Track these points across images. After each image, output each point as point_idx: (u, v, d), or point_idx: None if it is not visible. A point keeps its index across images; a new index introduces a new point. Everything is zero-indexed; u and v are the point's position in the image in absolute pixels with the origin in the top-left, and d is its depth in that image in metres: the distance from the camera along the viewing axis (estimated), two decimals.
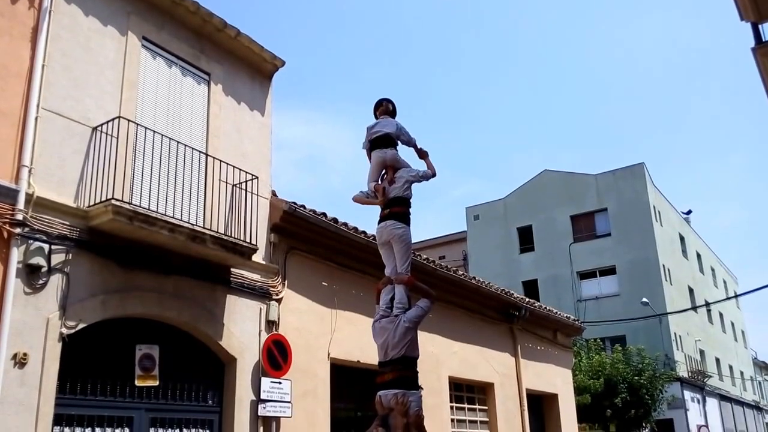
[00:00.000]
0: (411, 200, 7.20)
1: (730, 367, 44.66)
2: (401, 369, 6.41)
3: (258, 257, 9.95)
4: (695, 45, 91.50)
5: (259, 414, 9.47)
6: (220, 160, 9.57)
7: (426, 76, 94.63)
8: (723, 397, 38.96)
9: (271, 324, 10.07)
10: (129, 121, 8.47)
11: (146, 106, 9.18)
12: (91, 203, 7.96)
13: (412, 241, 7.15)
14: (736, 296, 45.25)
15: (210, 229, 9.06)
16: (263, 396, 9.55)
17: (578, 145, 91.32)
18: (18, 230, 7.26)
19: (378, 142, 7.17)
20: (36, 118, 7.72)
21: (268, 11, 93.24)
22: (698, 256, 43.36)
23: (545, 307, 18.40)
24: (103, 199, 7.89)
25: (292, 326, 10.35)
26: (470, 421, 14.73)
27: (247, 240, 9.47)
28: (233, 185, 9.80)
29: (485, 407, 15.39)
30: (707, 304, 39.77)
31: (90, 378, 7.89)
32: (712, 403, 36.12)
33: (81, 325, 7.66)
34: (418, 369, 6.60)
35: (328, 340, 10.93)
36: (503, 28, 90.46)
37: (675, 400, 29.87)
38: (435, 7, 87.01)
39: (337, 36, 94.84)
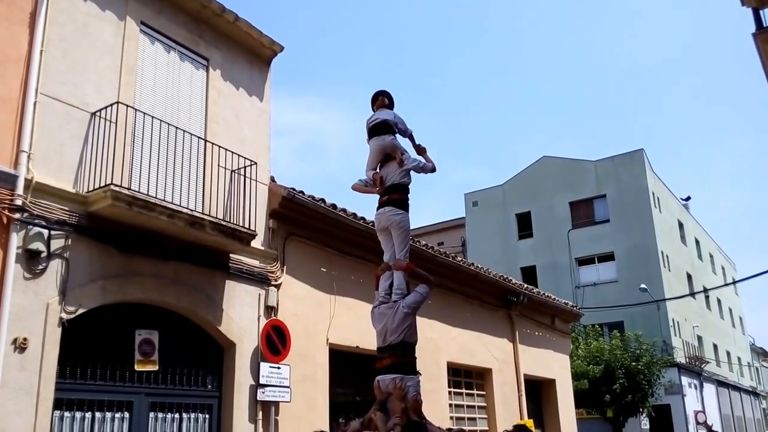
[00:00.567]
0: (409, 187, 7.22)
1: (728, 353, 44.83)
2: (400, 354, 6.45)
3: (257, 243, 9.96)
4: (696, 31, 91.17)
5: (258, 399, 9.53)
6: (219, 146, 9.56)
7: (426, 62, 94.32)
8: (720, 383, 39.13)
9: (270, 309, 10.11)
10: (127, 106, 8.45)
11: (145, 91, 9.16)
12: (90, 189, 7.97)
13: (411, 228, 7.17)
14: (734, 282, 45.29)
15: (209, 215, 9.07)
16: (262, 381, 9.60)
17: (578, 131, 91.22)
18: (17, 215, 7.28)
19: (376, 129, 7.19)
20: (34, 104, 7.71)
21: None
22: (697, 242, 43.39)
23: (543, 294, 18.46)
24: (102, 184, 7.89)
25: (290, 312, 10.39)
26: (468, 406, 14.82)
27: (246, 226, 9.48)
28: (232, 171, 9.80)
29: (483, 392, 15.49)
30: (705, 290, 39.85)
31: (90, 363, 7.93)
32: (709, 388, 36.28)
33: (81, 310, 7.69)
34: (416, 354, 6.65)
35: (327, 325, 10.97)
36: (504, 14, 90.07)
37: (672, 386, 30.00)
38: None
39: (336, 22, 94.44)
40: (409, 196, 7.18)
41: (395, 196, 7.00)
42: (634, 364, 25.83)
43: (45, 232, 7.50)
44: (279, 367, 9.88)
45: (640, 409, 26.60)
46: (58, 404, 7.47)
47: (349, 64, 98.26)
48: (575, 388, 21.04)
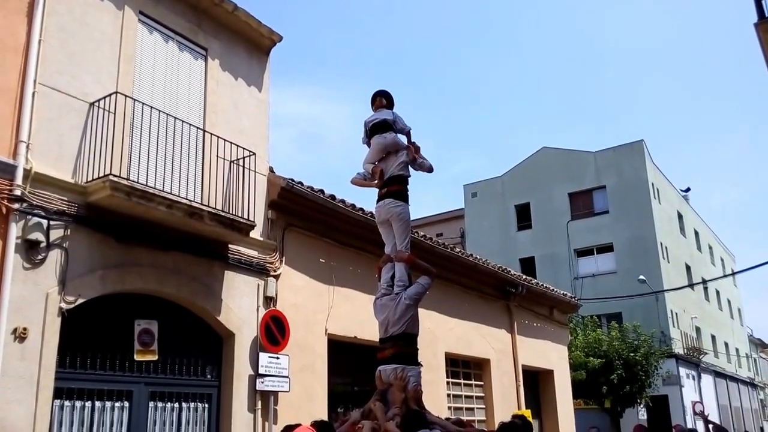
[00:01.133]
0: (409, 178, 7.25)
1: (726, 345, 44.93)
2: (402, 345, 6.50)
3: (256, 234, 9.98)
4: (697, 21, 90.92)
5: (257, 388, 9.57)
6: (218, 137, 9.56)
7: (426, 52, 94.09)
8: (718, 374, 39.25)
9: (269, 300, 10.13)
10: (126, 96, 8.44)
11: (143, 81, 9.14)
12: (89, 179, 7.97)
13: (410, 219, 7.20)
14: (733, 274, 45.35)
15: (208, 206, 9.07)
16: (261, 371, 9.63)
17: (577, 122, 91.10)
18: (16, 206, 7.28)
19: (376, 128, 7.25)
20: (33, 94, 7.70)
21: None
22: (696, 234, 43.40)
23: (542, 285, 18.50)
24: (101, 174, 7.89)
25: (289, 302, 10.41)
26: (466, 397, 14.89)
27: (245, 216, 9.49)
28: (231, 161, 9.80)
29: (481, 383, 15.55)
30: (704, 281, 39.88)
31: (90, 352, 7.96)
32: (707, 379, 36.40)
33: (80, 300, 7.71)
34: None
35: (326, 316, 11.00)
36: (503, 4, 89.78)
37: (670, 377, 30.09)
38: None
39: (336, 11, 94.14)
40: (408, 188, 7.22)
41: (395, 188, 7.04)
42: (632, 355, 25.90)
43: (44, 222, 7.51)
44: (278, 357, 9.92)
45: (638, 400, 26.70)
46: (58, 393, 7.50)
47: (348, 55, 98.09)
48: (573, 378, 21.12)
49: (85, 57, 8.42)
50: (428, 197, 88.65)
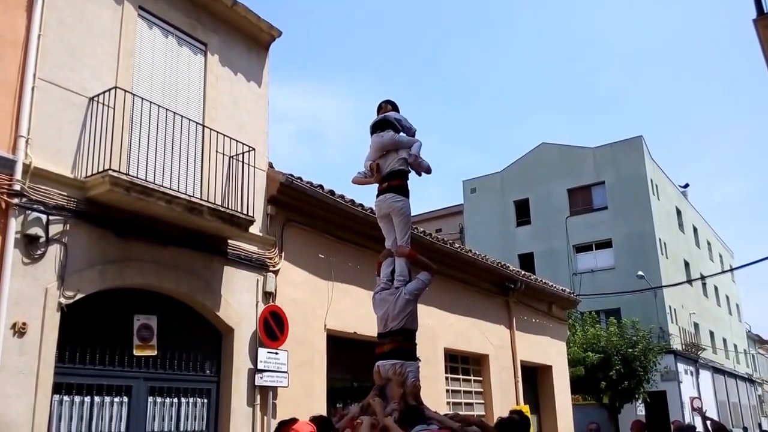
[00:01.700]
0: (409, 173, 7.24)
1: (724, 341, 45.01)
2: (400, 340, 6.49)
3: (255, 229, 9.98)
4: (696, 16, 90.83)
5: (256, 384, 9.58)
6: (217, 132, 9.55)
7: (426, 48, 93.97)
8: (716, 370, 39.34)
9: (268, 295, 10.14)
10: (126, 91, 8.43)
11: (143, 76, 9.14)
12: (89, 174, 7.96)
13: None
14: (731, 270, 45.40)
15: (207, 201, 9.07)
16: (260, 366, 9.64)
17: (576, 118, 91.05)
18: (16, 200, 7.28)
19: (377, 126, 7.24)
20: (32, 88, 7.69)
21: None
22: (695, 229, 43.44)
23: (541, 280, 18.51)
24: (101, 169, 7.89)
25: (288, 297, 10.42)
26: (465, 392, 14.92)
27: (244, 212, 9.49)
28: (230, 157, 9.79)
29: (480, 378, 15.57)
30: (703, 277, 39.93)
31: (89, 347, 7.96)
32: (705, 375, 36.48)
33: (79, 295, 7.71)
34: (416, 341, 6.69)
35: (325, 311, 11.01)
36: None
37: (669, 373, 30.15)
38: None
39: (335, 6, 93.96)
40: (408, 182, 7.22)
41: (395, 183, 7.03)
42: (630, 350, 25.95)
43: (43, 217, 7.51)
44: (277, 353, 9.92)
45: (636, 396, 26.77)
46: (58, 388, 7.51)
47: (347, 50, 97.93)
48: (572, 374, 21.16)
49: (84, 52, 8.41)
50: (427, 193, 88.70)
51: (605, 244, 35.87)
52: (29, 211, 7.41)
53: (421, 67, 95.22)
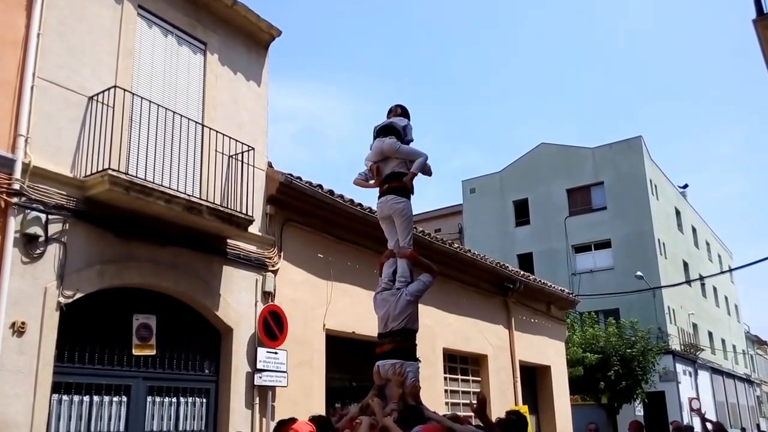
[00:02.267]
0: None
1: (723, 341, 45.04)
2: (401, 340, 6.50)
3: (254, 228, 9.97)
4: (696, 16, 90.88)
5: (255, 383, 9.58)
6: (216, 131, 9.54)
7: (425, 48, 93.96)
8: (715, 371, 39.36)
9: (267, 295, 10.13)
10: (125, 90, 8.42)
11: (142, 75, 9.13)
12: (88, 173, 7.95)
13: None
14: (730, 270, 45.39)
15: (206, 200, 9.07)
16: (259, 366, 9.64)
17: (576, 118, 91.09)
18: (15, 200, 7.27)
19: (381, 131, 7.23)
20: (32, 88, 7.68)
21: None
22: (693, 230, 43.47)
23: (540, 280, 18.51)
24: (100, 169, 7.88)
25: (288, 297, 10.41)
26: (464, 392, 14.91)
27: (244, 211, 9.48)
28: (229, 156, 9.79)
29: (479, 378, 15.56)
30: (701, 278, 39.93)
31: (88, 347, 7.96)
32: (703, 376, 36.50)
33: (78, 295, 7.70)
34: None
35: (324, 311, 11.00)
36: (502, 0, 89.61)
37: (667, 373, 30.17)
38: None
39: (335, 6, 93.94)
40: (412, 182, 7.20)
41: (395, 184, 7.03)
42: (629, 351, 25.97)
43: (43, 216, 7.51)
44: (276, 353, 9.92)
45: (635, 396, 26.79)
46: (57, 388, 7.50)
47: (347, 50, 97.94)
48: (570, 374, 21.15)
49: (84, 51, 8.40)
50: (427, 192, 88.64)
51: (604, 245, 35.89)
52: (28, 211, 7.41)
53: (420, 67, 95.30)
